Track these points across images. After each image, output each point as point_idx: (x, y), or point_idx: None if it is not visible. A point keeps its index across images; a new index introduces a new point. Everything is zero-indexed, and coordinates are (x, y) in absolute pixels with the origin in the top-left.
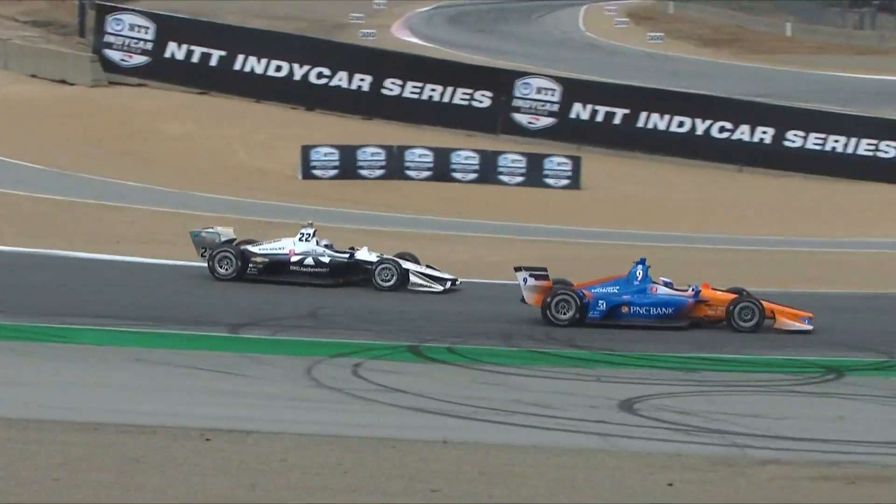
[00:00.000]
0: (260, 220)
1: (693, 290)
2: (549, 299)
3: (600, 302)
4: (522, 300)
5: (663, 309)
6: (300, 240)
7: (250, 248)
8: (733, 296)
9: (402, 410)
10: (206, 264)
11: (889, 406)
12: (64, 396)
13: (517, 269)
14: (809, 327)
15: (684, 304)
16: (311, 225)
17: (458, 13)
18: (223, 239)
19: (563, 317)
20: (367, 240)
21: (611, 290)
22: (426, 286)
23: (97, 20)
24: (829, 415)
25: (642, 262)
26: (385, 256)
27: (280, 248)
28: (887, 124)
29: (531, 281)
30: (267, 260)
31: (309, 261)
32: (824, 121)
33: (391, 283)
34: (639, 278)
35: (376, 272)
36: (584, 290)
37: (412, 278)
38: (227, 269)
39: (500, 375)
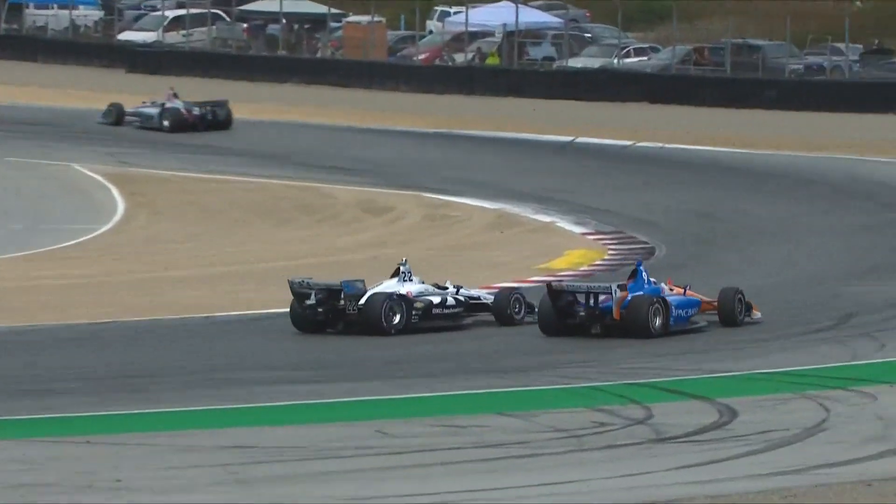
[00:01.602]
0: None
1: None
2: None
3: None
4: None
5: (692, 310)
6: (404, 279)
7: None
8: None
9: None
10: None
11: None
12: None
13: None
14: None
15: (700, 304)
16: (406, 262)
17: None
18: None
19: (657, 324)
20: None
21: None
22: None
23: None
24: None
25: (640, 263)
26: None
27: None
28: None
29: (619, 293)
30: (423, 305)
31: (450, 301)
32: None
33: (521, 315)
34: (646, 280)
35: (511, 305)
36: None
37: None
38: (399, 321)
39: None
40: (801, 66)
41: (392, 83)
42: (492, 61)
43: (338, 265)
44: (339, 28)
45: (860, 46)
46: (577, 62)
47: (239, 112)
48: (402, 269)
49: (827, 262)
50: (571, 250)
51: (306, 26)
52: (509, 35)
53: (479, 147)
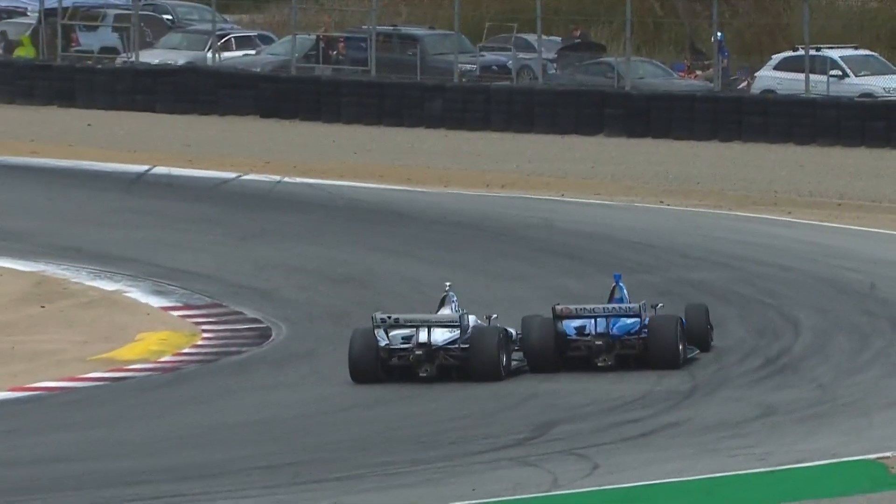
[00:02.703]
0: None
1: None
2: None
3: None
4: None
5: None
6: (456, 309)
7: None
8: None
9: None
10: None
11: None
12: None
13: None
14: None
15: (684, 324)
16: (450, 287)
17: None
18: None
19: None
20: None
21: None
22: None
23: None
24: None
25: (619, 277)
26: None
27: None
28: None
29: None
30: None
31: (514, 335)
32: None
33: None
34: (628, 299)
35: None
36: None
37: None
38: (507, 362)
39: None
40: (475, 67)
41: None
42: (23, 53)
43: None
44: None
45: (558, 39)
46: (151, 56)
47: None
48: (453, 298)
49: None
50: (147, 332)
51: None
52: (49, 14)
53: (6, 180)
